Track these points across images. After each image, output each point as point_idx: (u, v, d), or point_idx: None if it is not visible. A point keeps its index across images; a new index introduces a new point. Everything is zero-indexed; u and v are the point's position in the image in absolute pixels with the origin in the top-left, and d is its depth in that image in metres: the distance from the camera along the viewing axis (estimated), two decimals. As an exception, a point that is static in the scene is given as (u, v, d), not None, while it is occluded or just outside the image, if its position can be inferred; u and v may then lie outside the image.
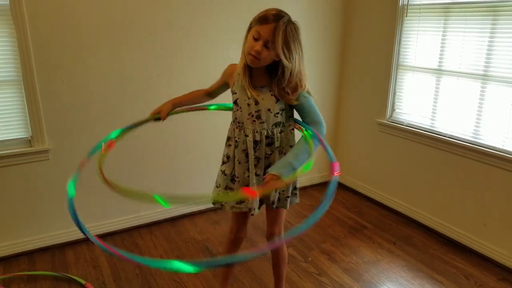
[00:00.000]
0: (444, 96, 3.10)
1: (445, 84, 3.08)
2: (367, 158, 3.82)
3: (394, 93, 3.47)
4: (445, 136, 3.06)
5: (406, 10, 3.25)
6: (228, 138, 2.06)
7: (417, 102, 3.31)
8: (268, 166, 1.96)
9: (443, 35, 3.03)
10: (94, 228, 3.06)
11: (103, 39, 2.79)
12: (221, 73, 2.12)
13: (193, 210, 3.47)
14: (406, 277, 2.71)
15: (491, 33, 2.72)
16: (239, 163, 1.99)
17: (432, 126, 3.20)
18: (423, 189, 3.32)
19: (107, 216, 3.11)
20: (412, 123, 3.34)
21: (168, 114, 2.07)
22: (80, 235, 3.01)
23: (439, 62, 3.09)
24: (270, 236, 2.17)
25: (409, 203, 3.46)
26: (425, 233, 3.25)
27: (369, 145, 3.77)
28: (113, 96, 2.92)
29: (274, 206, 2.04)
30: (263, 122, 1.93)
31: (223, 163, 2.06)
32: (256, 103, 1.91)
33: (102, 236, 3.09)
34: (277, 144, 1.96)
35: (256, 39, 1.79)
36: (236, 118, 2.01)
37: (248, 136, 1.95)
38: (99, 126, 2.90)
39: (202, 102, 2.21)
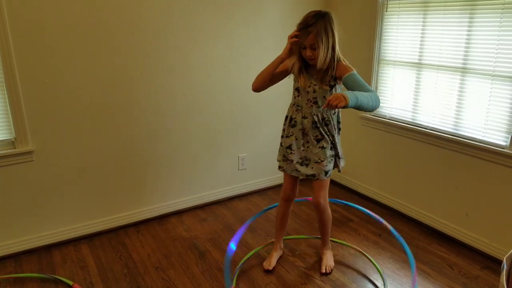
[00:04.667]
0: (425, 89, 3.15)
1: (426, 78, 3.13)
2: (351, 152, 3.86)
3: (376, 88, 3.52)
4: (427, 129, 3.12)
5: (386, 6, 3.30)
6: (287, 117, 2.52)
7: (399, 95, 3.36)
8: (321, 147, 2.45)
9: (423, 30, 3.08)
10: (81, 228, 3.05)
11: (85, 39, 2.77)
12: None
13: (180, 208, 3.48)
14: (392, 268, 2.75)
15: (469, 26, 2.77)
16: (296, 139, 2.48)
17: (414, 119, 3.25)
18: (406, 181, 3.38)
19: (93, 216, 3.10)
20: (394, 116, 3.40)
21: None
22: (67, 236, 3.01)
23: (419, 56, 3.14)
24: (316, 199, 2.55)
25: (393, 195, 3.52)
26: (410, 224, 3.31)
27: (352, 139, 3.82)
28: (96, 95, 2.90)
29: (316, 178, 2.50)
30: (320, 107, 2.38)
31: (282, 137, 2.57)
32: (314, 91, 2.36)
33: (89, 236, 3.09)
34: (333, 123, 2.42)
35: (303, 48, 2.24)
36: (295, 102, 2.46)
37: (306, 118, 2.41)
38: (82, 126, 2.90)
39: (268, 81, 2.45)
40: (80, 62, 2.80)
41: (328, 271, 2.69)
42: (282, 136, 2.57)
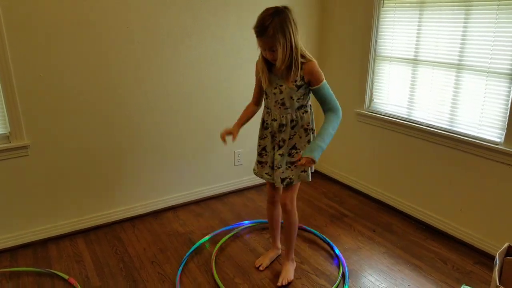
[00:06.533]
0: (420, 85, 3.16)
1: (421, 74, 3.14)
2: (347, 148, 3.87)
3: (372, 84, 3.53)
4: (422, 125, 3.13)
5: (382, 2, 3.30)
6: (262, 120, 2.45)
7: (395, 92, 3.37)
8: (292, 147, 2.36)
9: (419, 26, 3.08)
10: (77, 222, 3.06)
11: (80, 33, 2.76)
12: (255, 76, 2.44)
13: (176, 203, 3.49)
14: (386, 263, 2.77)
15: (465, 23, 2.78)
16: (267, 140, 2.42)
17: (409, 115, 3.26)
18: (401, 177, 3.39)
19: (89, 211, 3.11)
20: (390, 112, 3.41)
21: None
22: (63, 230, 3.01)
23: (415, 52, 3.14)
24: (282, 200, 2.49)
25: (388, 191, 3.54)
26: (404, 220, 3.33)
27: (348, 135, 3.83)
28: (91, 90, 2.90)
29: (285, 183, 2.41)
30: (287, 108, 2.29)
31: (259, 138, 2.48)
32: (280, 92, 2.26)
33: (85, 231, 3.09)
34: (300, 123, 2.32)
35: (263, 49, 2.15)
36: (265, 105, 2.41)
37: (276, 120, 2.34)
38: (77, 121, 2.89)
39: (255, 113, 2.56)
40: (76, 58, 2.79)
41: (284, 284, 2.52)
42: (259, 138, 2.49)
